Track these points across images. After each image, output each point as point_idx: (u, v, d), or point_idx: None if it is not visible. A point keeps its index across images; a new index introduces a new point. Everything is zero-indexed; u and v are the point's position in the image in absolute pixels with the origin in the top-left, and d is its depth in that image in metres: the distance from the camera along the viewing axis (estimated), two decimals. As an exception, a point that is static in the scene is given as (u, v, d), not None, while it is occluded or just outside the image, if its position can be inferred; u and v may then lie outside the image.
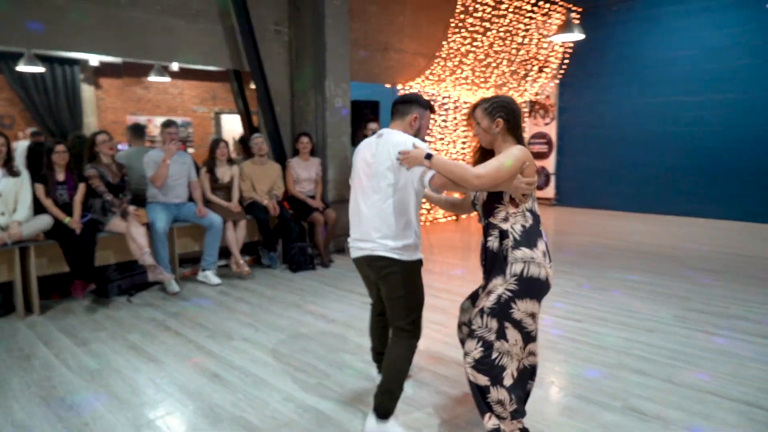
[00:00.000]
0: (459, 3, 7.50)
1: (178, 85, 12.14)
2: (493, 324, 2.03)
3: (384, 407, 2.29)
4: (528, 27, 8.50)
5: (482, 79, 8.53)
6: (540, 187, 10.47)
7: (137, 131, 5.40)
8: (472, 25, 7.72)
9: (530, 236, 2.07)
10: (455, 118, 8.71)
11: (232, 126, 13.19)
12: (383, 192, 2.31)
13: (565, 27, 7.85)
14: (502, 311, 2.03)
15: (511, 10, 8.04)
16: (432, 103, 2.50)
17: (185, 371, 3.04)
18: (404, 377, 2.33)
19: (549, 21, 8.80)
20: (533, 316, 2.06)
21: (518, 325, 2.04)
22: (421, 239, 2.42)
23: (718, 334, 3.53)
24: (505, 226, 2.10)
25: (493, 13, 7.84)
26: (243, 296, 4.53)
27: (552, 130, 10.25)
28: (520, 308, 2.03)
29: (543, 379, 2.88)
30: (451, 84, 8.16)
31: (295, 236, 5.58)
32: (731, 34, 8.16)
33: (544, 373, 2.94)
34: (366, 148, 2.44)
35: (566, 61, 9.54)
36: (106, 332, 3.67)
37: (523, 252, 2.04)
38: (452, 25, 7.63)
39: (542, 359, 3.10)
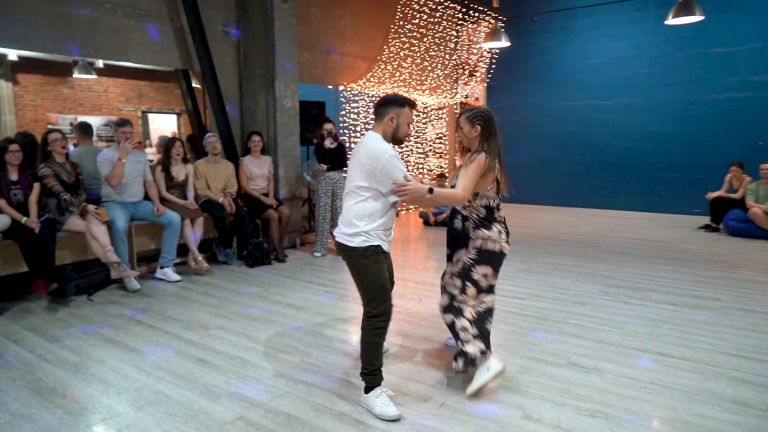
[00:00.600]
0: (398, 10, 7.92)
1: (103, 82, 11.71)
2: (458, 282, 2.77)
3: (365, 382, 2.57)
4: (460, 34, 9.09)
5: (419, 82, 9.01)
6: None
7: (86, 130, 5.32)
8: (411, 31, 8.17)
9: (486, 222, 2.74)
10: (393, 119, 9.13)
11: (160, 125, 12.85)
12: (354, 190, 2.55)
13: (493, 35, 8.52)
14: (465, 274, 2.75)
15: (445, 17, 8.57)
16: (412, 100, 2.65)
17: (170, 358, 3.19)
18: (372, 355, 2.53)
19: (478, 29, 9.45)
20: (486, 276, 2.74)
21: (476, 284, 2.75)
22: (388, 234, 2.59)
23: (635, 303, 4.16)
24: (465, 212, 2.80)
25: (428, 20, 8.34)
26: (207, 290, 4.66)
27: (481, 131, 10.94)
28: (479, 272, 2.73)
29: (498, 346, 3.32)
30: (390, 86, 8.57)
31: (250, 233, 5.74)
32: (634, 46, 9.19)
33: (498, 341, 3.38)
34: (355, 148, 2.68)
35: (493, 66, 10.26)
36: (76, 328, 3.71)
37: (482, 232, 2.72)
38: (392, 30, 8.04)
39: (495, 330, 3.56)
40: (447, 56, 9.15)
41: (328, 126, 5.93)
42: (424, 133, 10.10)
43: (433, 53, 8.82)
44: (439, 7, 8.54)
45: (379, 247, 2.55)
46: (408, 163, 9.68)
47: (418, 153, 9.94)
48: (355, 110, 8.23)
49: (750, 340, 3.38)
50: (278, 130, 6.17)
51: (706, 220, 7.83)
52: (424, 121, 10.02)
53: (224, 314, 4.01)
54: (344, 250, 2.58)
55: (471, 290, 2.73)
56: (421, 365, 3.07)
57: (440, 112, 10.41)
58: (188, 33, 5.68)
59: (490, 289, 2.79)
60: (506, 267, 5.21)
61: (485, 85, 10.61)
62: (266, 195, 5.90)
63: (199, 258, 5.12)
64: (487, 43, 8.67)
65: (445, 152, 10.85)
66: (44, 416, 2.53)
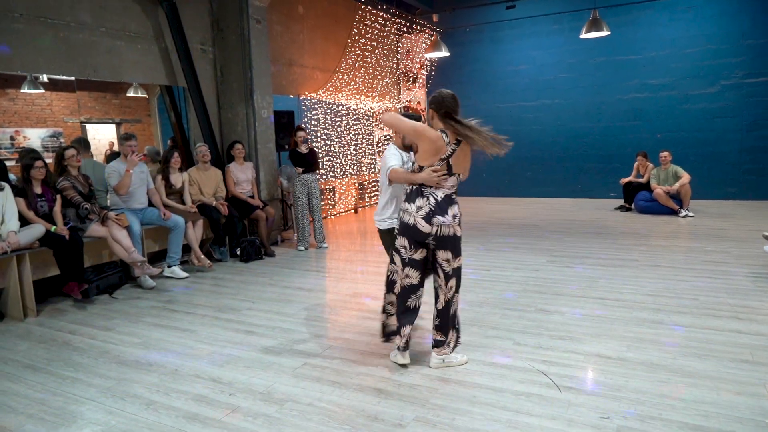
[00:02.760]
0: (354, 26, 8.74)
1: (47, 96, 11.67)
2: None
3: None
4: (404, 44, 10.05)
5: (370, 89, 9.87)
6: (417, 181, 12.19)
7: (84, 144, 5.72)
8: (364, 44, 9.01)
9: (410, 196, 3.00)
10: (347, 123, 9.93)
11: (96, 134, 12.91)
12: (384, 186, 3.40)
13: (435, 46, 9.55)
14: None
15: (392, 31, 9.49)
16: (419, 114, 3.57)
17: (221, 333, 3.84)
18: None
19: (420, 40, 10.46)
20: (405, 248, 2.99)
21: (398, 252, 3.03)
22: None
23: (576, 267, 5.26)
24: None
25: (379, 33, 9.22)
26: (217, 283, 5.27)
27: (424, 132, 11.98)
28: (398, 242, 3.04)
29: (481, 303, 4.25)
30: (346, 95, 9.36)
31: (240, 232, 6.35)
32: (554, 54, 10.57)
33: (479, 300, 4.31)
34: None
35: (433, 73, 11.32)
36: (119, 320, 4.24)
37: (403, 204, 3.03)
38: (348, 44, 8.85)
39: (475, 294, 4.49)
40: (394, 65, 10.08)
41: (301, 134, 6.63)
42: (372, 137, 10.96)
43: (383, 63, 9.71)
44: (387, 22, 9.44)
45: None
46: (361, 164, 10.51)
47: (370, 154, 10.79)
48: (315, 117, 8.94)
49: (661, 284, 4.54)
50: (258, 138, 6.81)
51: (620, 202, 9.28)
52: (373, 124, 10.89)
53: (246, 299, 4.66)
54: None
55: (396, 258, 3.05)
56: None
57: (387, 115, 11.33)
58: (173, 52, 6.19)
59: (411, 263, 2.98)
60: (469, 247, 6.23)
61: (426, 90, 11.64)
62: (252, 197, 6.53)
63: (202, 256, 5.68)
64: (429, 53, 9.69)
65: (392, 152, 11.78)
66: (144, 378, 3.14)
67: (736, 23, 9.21)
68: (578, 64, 10.41)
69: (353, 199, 10.24)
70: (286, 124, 7.54)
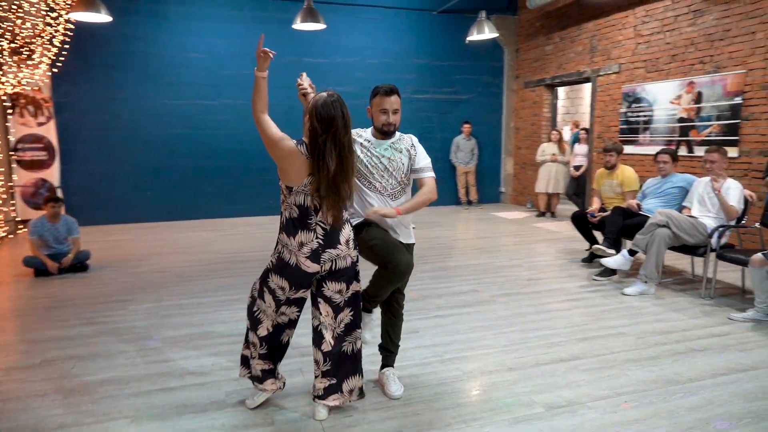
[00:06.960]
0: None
1: None
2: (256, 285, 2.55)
3: None
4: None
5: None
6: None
7: None
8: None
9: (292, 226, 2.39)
10: None
11: None
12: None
13: (88, 4, 6.37)
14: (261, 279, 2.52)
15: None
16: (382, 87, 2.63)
17: None
18: None
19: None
20: (283, 289, 2.42)
21: (273, 293, 2.44)
22: None
23: (438, 316, 4.03)
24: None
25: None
26: None
27: (51, 133, 8.06)
28: (274, 280, 2.43)
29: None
30: None
31: None
32: (236, 45, 8.81)
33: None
34: None
35: (66, 46, 7.65)
36: None
37: (283, 236, 2.42)
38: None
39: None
40: (20, 23, 6.20)
41: None
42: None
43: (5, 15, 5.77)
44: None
45: None
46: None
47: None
48: None
49: (560, 321, 3.86)
50: None
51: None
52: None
53: None
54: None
55: (268, 298, 2.47)
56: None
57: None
58: None
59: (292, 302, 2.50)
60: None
61: (50, 74, 7.79)
62: None
63: None
64: (75, 12, 6.33)
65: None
66: None
67: (406, 42, 9.79)
68: (265, 61, 9.00)
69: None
70: None
